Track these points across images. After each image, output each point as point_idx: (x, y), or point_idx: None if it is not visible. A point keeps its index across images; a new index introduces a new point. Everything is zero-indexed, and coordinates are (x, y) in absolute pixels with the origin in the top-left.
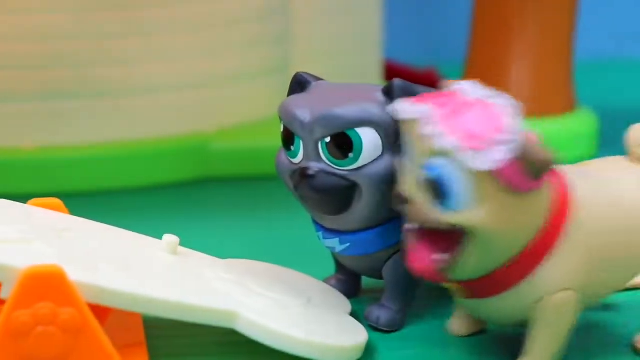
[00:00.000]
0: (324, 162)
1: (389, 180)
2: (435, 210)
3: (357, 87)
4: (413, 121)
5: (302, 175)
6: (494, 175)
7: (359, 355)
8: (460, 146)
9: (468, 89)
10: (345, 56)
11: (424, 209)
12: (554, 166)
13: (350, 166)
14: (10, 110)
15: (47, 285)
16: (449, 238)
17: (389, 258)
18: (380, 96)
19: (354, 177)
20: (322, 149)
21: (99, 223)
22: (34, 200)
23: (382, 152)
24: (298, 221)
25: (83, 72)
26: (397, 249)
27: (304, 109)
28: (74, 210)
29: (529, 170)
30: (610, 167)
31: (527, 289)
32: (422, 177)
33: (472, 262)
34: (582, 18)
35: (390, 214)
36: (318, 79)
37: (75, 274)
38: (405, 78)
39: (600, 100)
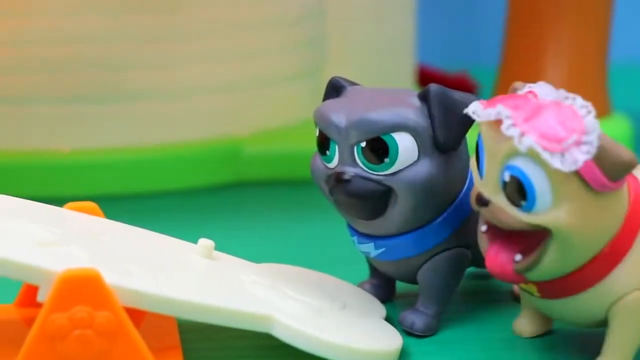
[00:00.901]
0: (359, 167)
1: (424, 185)
2: (516, 211)
3: (393, 91)
4: (490, 123)
5: (337, 180)
6: (575, 176)
7: None
8: (542, 147)
9: (542, 91)
10: (379, 60)
11: (503, 210)
12: (634, 167)
13: (386, 171)
14: (46, 113)
15: (83, 288)
16: (528, 239)
17: (424, 263)
18: (416, 101)
19: (389, 182)
20: (358, 153)
21: (134, 227)
22: (70, 203)
23: (417, 157)
24: (332, 225)
25: (118, 75)
26: (432, 253)
27: (340, 113)
28: (109, 214)
29: (610, 171)
30: None
31: (604, 290)
32: (502, 178)
33: (551, 263)
34: (617, 21)
35: (425, 219)
36: (353, 83)
37: (112, 278)
38: (438, 82)
39: (635, 105)
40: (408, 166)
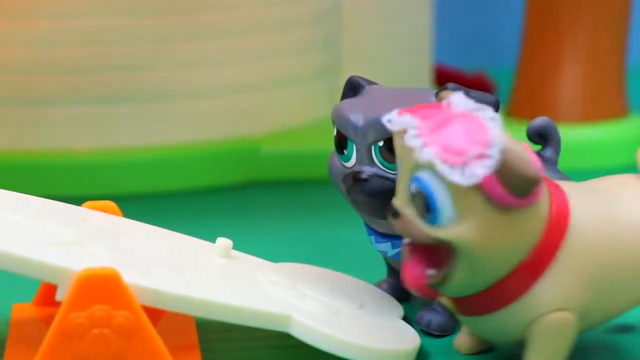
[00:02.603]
0: (377, 166)
1: None
2: (423, 224)
3: (411, 91)
4: (401, 132)
5: (355, 179)
6: (477, 191)
7: (412, 359)
8: (442, 159)
9: (456, 102)
10: (396, 60)
11: (412, 222)
12: (539, 184)
13: None
14: (65, 113)
15: (102, 287)
16: (438, 253)
17: None
18: (433, 101)
19: None
20: (375, 152)
21: (153, 226)
22: (89, 202)
23: None
24: (349, 225)
25: (137, 75)
26: None
27: (358, 113)
28: (127, 213)
29: (513, 187)
30: (616, 184)
31: (521, 308)
32: (410, 189)
33: (461, 279)
34: (634, 23)
35: None
36: (371, 82)
37: (130, 277)
38: (456, 82)
39: None
40: None
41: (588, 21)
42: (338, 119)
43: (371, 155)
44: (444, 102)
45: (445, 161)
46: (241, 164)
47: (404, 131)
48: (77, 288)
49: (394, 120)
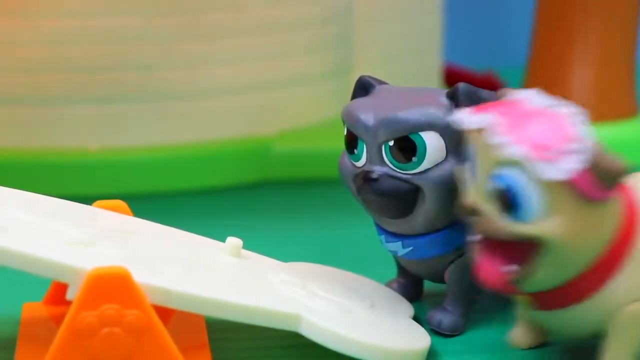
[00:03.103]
0: (387, 166)
1: (453, 184)
2: (505, 221)
3: (421, 90)
4: (478, 130)
5: (365, 179)
6: (567, 185)
7: (422, 359)
8: (531, 156)
9: (530, 98)
10: (406, 59)
11: (493, 220)
12: (627, 175)
13: (414, 170)
14: (76, 112)
15: (113, 286)
16: (520, 249)
17: (452, 262)
18: (444, 100)
19: (417, 181)
20: (386, 152)
21: (163, 225)
22: (99, 202)
23: (445, 156)
24: (360, 224)
25: (148, 74)
26: (460, 252)
27: (368, 112)
28: (138, 212)
29: (602, 180)
30: None
31: (599, 301)
32: (490, 187)
33: (543, 274)
34: None
35: (453, 217)
36: (382, 82)
37: (141, 276)
38: (465, 82)
39: None
40: (436, 165)
41: (598, 21)
42: (348, 118)
43: (381, 154)
44: (508, 100)
45: (535, 157)
46: (252, 164)
47: (481, 129)
48: (87, 287)
49: (468, 118)
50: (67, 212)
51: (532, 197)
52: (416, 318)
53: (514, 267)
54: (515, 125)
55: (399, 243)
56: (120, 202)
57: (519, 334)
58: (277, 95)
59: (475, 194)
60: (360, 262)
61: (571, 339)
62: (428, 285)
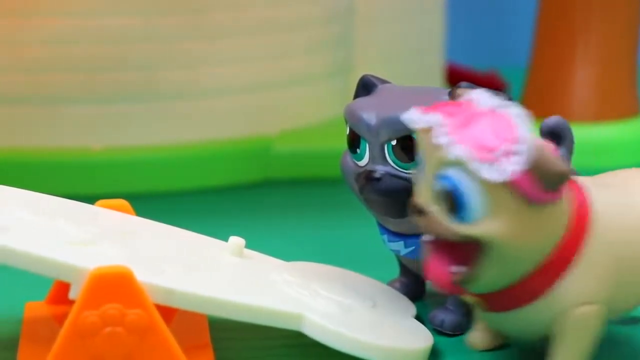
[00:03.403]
0: (389, 165)
1: None
2: (450, 222)
3: (423, 90)
4: (426, 130)
5: (367, 178)
6: (508, 187)
7: (425, 358)
8: (473, 156)
9: (479, 99)
10: (408, 59)
11: (439, 220)
12: (570, 178)
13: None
14: (77, 112)
15: (115, 286)
16: (466, 250)
17: None
18: (446, 99)
19: None
20: (388, 151)
21: (165, 224)
22: (102, 201)
23: None
24: (362, 224)
25: (149, 74)
26: None
27: (370, 111)
28: (140, 212)
29: (544, 182)
30: (631, 177)
31: (548, 303)
32: (436, 187)
33: (489, 275)
34: None
35: None
36: (384, 81)
37: (143, 275)
38: (468, 81)
39: None
40: None
41: (600, 20)
42: (351, 117)
43: (384, 154)
44: (461, 100)
45: (476, 158)
46: (253, 163)
47: (428, 129)
48: (90, 286)
49: (417, 118)
50: (70, 212)
51: (474, 198)
52: (418, 317)
53: (460, 268)
54: (460, 125)
55: (401, 242)
56: (122, 202)
57: (477, 336)
58: (278, 95)
59: (424, 193)
60: (363, 262)
61: (522, 341)
62: (430, 284)
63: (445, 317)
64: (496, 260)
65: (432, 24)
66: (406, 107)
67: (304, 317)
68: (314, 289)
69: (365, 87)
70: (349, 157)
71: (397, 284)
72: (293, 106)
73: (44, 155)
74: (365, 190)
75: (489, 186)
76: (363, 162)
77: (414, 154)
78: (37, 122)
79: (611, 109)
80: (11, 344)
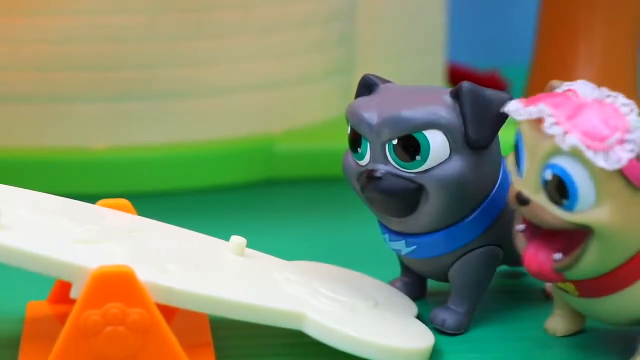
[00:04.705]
0: (391, 165)
1: (456, 183)
2: (557, 210)
3: (425, 89)
4: (531, 121)
5: (369, 178)
6: (618, 175)
7: (426, 358)
8: (585, 145)
9: (581, 89)
10: (410, 58)
11: (546, 209)
12: None
13: (418, 169)
14: (82, 110)
15: (117, 285)
16: (568, 238)
17: (456, 261)
18: (448, 99)
19: (421, 180)
20: (390, 151)
21: (167, 224)
22: (103, 201)
23: (449, 155)
24: (364, 223)
25: (152, 73)
26: (464, 251)
27: (372, 111)
28: (142, 211)
29: None
30: None
31: None
32: (543, 177)
33: (592, 262)
34: None
35: (457, 216)
36: (386, 81)
37: (145, 275)
38: (469, 81)
39: None
40: (440, 164)
41: (603, 20)
42: (352, 117)
43: (385, 153)
44: (559, 91)
45: (590, 147)
46: (256, 162)
47: (535, 120)
48: (91, 286)
49: (521, 109)
50: (72, 211)
51: (584, 186)
52: (420, 317)
53: (562, 256)
54: (568, 115)
55: (403, 242)
56: (124, 201)
57: (556, 322)
58: (281, 93)
59: (525, 184)
60: (364, 261)
61: (612, 326)
62: (432, 284)
63: (447, 316)
64: (602, 247)
65: (434, 23)
66: (408, 107)
67: (306, 317)
68: (315, 289)
69: (367, 86)
70: (350, 157)
71: (399, 284)
72: (296, 105)
73: (46, 154)
74: (366, 189)
75: (600, 174)
76: (364, 161)
77: (415, 153)
78: (39, 121)
79: None
80: (13, 343)
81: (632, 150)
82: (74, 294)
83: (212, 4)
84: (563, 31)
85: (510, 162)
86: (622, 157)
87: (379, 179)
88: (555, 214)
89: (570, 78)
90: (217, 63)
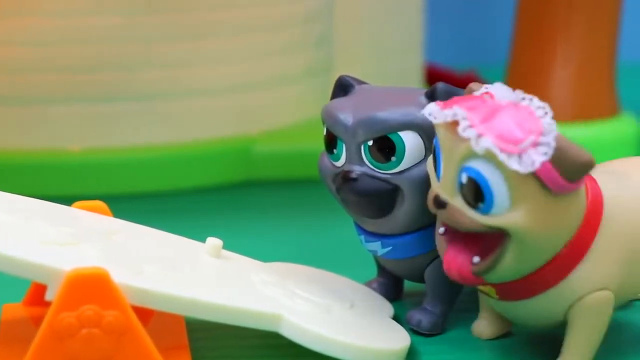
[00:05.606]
0: (366, 166)
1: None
2: (473, 213)
3: (400, 90)
4: (447, 124)
5: (344, 179)
6: (534, 177)
7: (402, 359)
8: (500, 148)
9: (498, 92)
10: (387, 59)
11: (462, 212)
12: (593, 167)
13: (393, 169)
14: (57, 112)
15: (91, 287)
16: (486, 241)
17: (431, 261)
18: (423, 100)
19: (396, 181)
20: (365, 152)
21: (143, 226)
22: (79, 202)
23: (424, 156)
24: (340, 224)
25: (129, 75)
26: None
27: (347, 112)
28: (119, 213)
29: (568, 172)
30: (629, 165)
31: (564, 290)
32: (458, 180)
33: (510, 265)
34: (625, 21)
35: (432, 217)
36: (361, 82)
37: (120, 277)
38: (446, 81)
39: None
40: (415, 165)
41: (580, 20)
42: (328, 118)
43: (361, 154)
44: (476, 94)
45: (504, 150)
46: (234, 164)
47: (449, 123)
48: (66, 288)
49: (436, 112)
50: (47, 213)
51: (498, 189)
52: (396, 318)
53: (479, 259)
54: (483, 118)
55: (379, 243)
56: (99, 203)
57: (482, 325)
58: (258, 95)
59: (442, 186)
60: (340, 262)
61: (534, 329)
62: (408, 284)
63: (423, 317)
64: (518, 250)
65: (411, 24)
66: (383, 108)
67: (282, 318)
68: (291, 290)
69: (342, 87)
70: (326, 158)
71: (375, 284)
72: (273, 106)
73: (22, 156)
74: (342, 190)
75: (514, 177)
76: (340, 162)
77: (390, 154)
78: (17, 123)
79: (590, 109)
80: None
81: (545, 153)
82: (49, 296)
83: (188, 5)
84: (540, 31)
85: (429, 165)
86: (535, 159)
87: (355, 179)
88: (471, 217)
89: (547, 78)
90: (194, 64)
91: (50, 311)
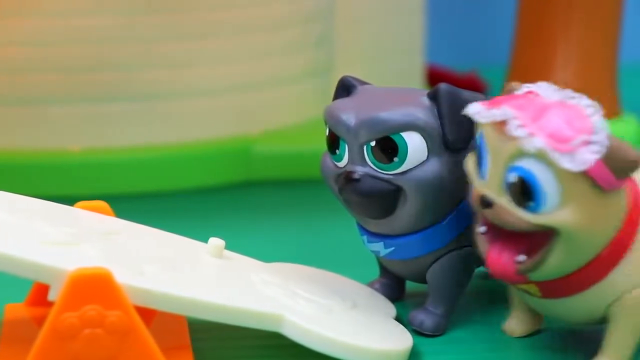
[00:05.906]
0: (368, 166)
1: (433, 184)
2: (522, 212)
3: (403, 91)
4: (494, 123)
5: (347, 179)
6: (583, 176)
7: (404, 359)
8: (550, 147)
9: (544, 91)
10: (388, 60)
11: (509, 211)
12: None
13: (395, 170)
14: (57, 112)
15: (94, 287)
16: (531, 239)
17: (434, 262)
18: (425, 100)
19: (398, 181)
20: (367, 152)
21: (145, 226)
22: (81, 203)
23: (427, 157)
24: (342, 224)
25: (129, 75)
26: (441, 253)
27: (350, 112)
28: (119, 213)
29: (617, 170)
30: None
31: (605, 288)
32: (507, 179)
33: (555, 263)
34: (626, 22)
35: (434, 218)
36: (364, 82)
37: (122, 277)
38: (447, 82)
39: None
40: (417, 165)
41: (580, 21)
42: (330, 118)
43: (363, 155)
44: (518, 93)
45: (555, 149)
46: (234, 164)
47: (498, 122)
48: (69, 288)
49: (483, 112)
50: (49, 213)
51: (549, 188)
52: (398, 318)
53: (525, 257)
54: (533, 117)
55: (381, 243)
56: (102, 203)
57: (514, 323)
58: (259, 95)
59: (487, 185)
60: (342, 263)
61: (573, 325)
62: (410, 285)
63: (425, 317)
64: (565, 248)
65: (412, 24)
66: (385, 108)
67: (283, 318)
68: (293, 290)
69: (345, 88)
70: (328, 158)
71: (377, 285)
72: (274, 106)
73: (21, 156)
74: (344, 191)
75: (565, 176)
76: (342, 163)
77: (392, 155)
78: (17, 123)
79: None
80: None
81: (596, 152)
82: (52, 296)
83: (188, 5)
84: (541, 32)
85: (470, 164)
86: (587, 158)
87: (357, 180)
88: (520, 215)
89: (548, 79)
90: (194, 64)
91: (53, 311)
